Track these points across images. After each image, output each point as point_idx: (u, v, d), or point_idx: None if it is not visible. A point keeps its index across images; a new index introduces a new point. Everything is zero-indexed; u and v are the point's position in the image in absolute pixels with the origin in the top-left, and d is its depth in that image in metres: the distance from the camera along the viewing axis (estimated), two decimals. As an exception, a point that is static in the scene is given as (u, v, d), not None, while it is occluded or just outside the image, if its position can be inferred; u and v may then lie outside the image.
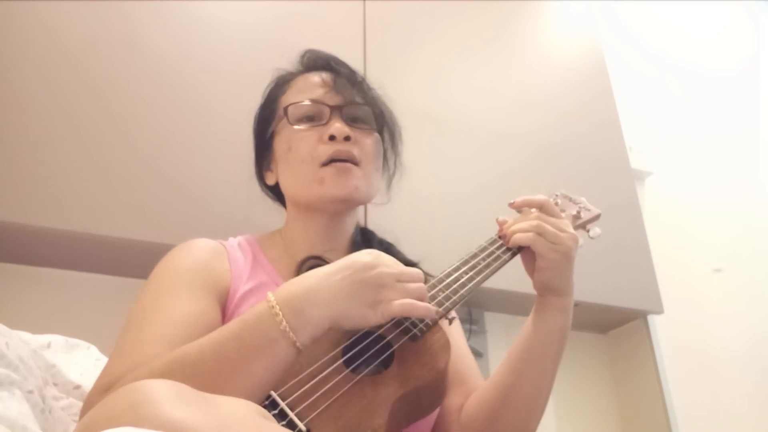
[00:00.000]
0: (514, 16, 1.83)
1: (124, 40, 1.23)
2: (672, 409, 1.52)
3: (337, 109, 0.83)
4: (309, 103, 0.84)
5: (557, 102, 1.73)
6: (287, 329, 0.55)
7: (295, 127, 0.84)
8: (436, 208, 1.39)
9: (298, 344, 0.56)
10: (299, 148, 0.82)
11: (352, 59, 0.96)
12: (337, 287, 0.59)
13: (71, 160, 1.09)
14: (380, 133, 0.90)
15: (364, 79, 0.91)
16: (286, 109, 0.85)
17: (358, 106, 0.86)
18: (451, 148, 1.49)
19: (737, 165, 2.36)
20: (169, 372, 0.54)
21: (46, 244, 1.09)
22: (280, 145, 0.86)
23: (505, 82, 1.69)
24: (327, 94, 0.84)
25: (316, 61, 0.91)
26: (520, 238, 0.73)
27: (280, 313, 0.56)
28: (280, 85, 0.92)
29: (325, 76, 0.87)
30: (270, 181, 0.92)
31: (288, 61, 0.96)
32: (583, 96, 1.79)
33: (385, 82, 0.96)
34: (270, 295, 0.58)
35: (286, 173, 0.85)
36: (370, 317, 0.60)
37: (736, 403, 1.85)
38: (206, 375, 0.53)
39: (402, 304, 0.60)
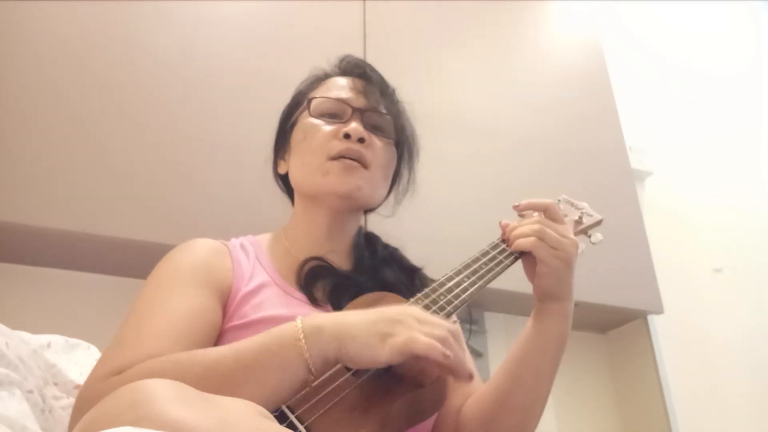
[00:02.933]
0: (515, 16, 1.83)
1: (123, 40, 1.23)
2: (672, 409, 1.52)
3: (358, 112, 0.84)
4: (333, 100, 0.85)
5: (557, 102, 1.73)
6: (307, 358, 0.55)
7: (314, 119, 0.85)
8: (436, 209, 1.39)
9: (312, 369, 0.56)
10: (314, 138, 0.83)
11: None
12: (357, 316, 0.59)
13: (71, 160, 1.09)
14: (397, 146, 0.91)
15: (394, 91, 0.93)
16: (310, 100, 0.86)
17: (380, 115, 0.87)
18: (451, 149, 1.49)
19: (737, 165, 2.36)
20: (184, 370, 0.55)
21: (46, 244, 1.09)
22: (297, 133, 0.88)
23: (505, 83, 1.69)
24: (353, 97, 0.86)
25: (352, 67, 0.93)
26: (521, 243, 0.73)
27: (303, 340, 0.56)
28: (313, 81, 0.93)
29: (357, 81, 0.89)
30: (281, 170, 0.93)
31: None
32: (583, 96, 1.79)
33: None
34: (298, 320, 0.58)
35: (296, 161, 0.86)
36: (377, 350, 0.56)
37: (736, 403, 1.85)
38: (220, 379, 0.54)
39: (409, 338, 0.55)
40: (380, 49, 1.49)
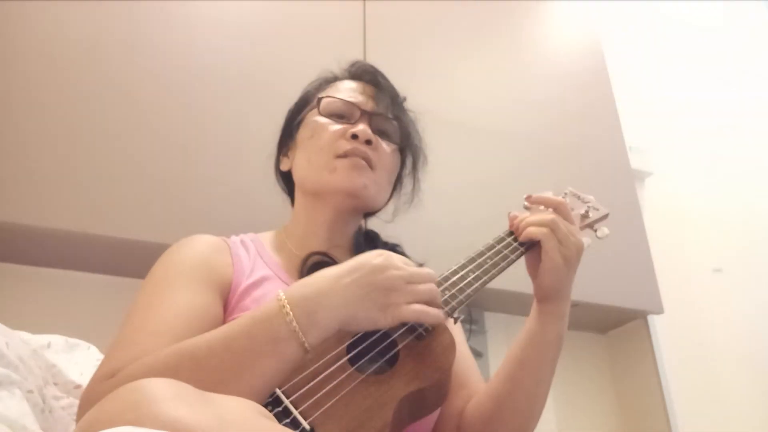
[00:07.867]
0: (515, 16, 1.83)
1: (123, 40, 1.23)
2: (672, 409, 1.52)
3: (367, 114, 0.85)
4: (343, 101, 0.86)
5: (557, 102, 1.73)
6: (297, 329, 0.55)
7: (323, 118, 0.85)
8: (436, 208, 1.39)
9: (306, 345, 0.55)
10: (321, 136, 0.84)
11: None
12: (347, 290, 0.59)
13: (71, 160, 1.09)
14: (402, 152, 0.92)
15: (404, 101, 0.93)
16: (319, 99, 0.87)
17: (388, 120, 0.88)
18: (451, 149, 1.49)
19: (737, 165, 2.36)
20: (177, 364, 0.54)
21: (46, 244, 1.09)
22: (304, 131, 0.88)
23: (506, 82, 1.69)
24: (363, 100, 0.86)
25: (362, 72, 0.93)
26: (532, 231, 0.73)
27: (291, 312, 0.55)
28: (322, 83, 0.94)
29: (368, 86, 0.89)
30: (284, 167, 0.93)
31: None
32: (583, 96, 1.79)
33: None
34: (281, 294, 0.57)
35: (301, 158, 0.87)
36: (380, 321, 0.59)
37: (736, 403, 1.85)
38: (214, 370, 0.53)
39: (413, 310, 0.60)
40: (380, 49, 1.49)
